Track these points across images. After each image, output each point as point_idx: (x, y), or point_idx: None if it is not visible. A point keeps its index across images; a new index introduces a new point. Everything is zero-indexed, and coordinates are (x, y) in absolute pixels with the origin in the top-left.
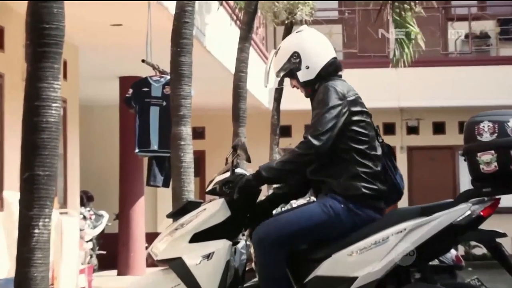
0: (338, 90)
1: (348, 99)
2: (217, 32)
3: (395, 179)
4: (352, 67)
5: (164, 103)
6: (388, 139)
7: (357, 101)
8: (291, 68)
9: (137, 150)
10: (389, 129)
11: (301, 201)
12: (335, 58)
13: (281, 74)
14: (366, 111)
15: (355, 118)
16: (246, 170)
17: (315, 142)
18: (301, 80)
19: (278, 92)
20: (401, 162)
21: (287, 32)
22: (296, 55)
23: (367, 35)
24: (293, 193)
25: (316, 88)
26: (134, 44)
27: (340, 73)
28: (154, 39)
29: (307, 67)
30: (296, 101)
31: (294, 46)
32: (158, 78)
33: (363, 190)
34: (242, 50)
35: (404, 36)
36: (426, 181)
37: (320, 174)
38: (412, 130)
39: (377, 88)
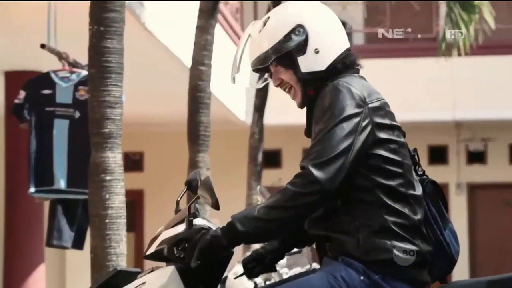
0: (354, 92)
1: (370, 105)
2: (164, 1)
3: (444, 237)
4: (377, 56)
5: (77, 114)
6: (436, 172)
7: (383, 110)
8: (290, 49)
9: (32, 190)
10: (438, 155)
11: (298, 269)
12: (349, 49)
13: (271, 58)
14: (398, 126)
15: (381, 135)
16: (211, 221)
17: (319, 174)
18: (304, 70)
19: (261, 97)
20: (457, 208)
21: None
22: (300, 30)
23: (402, 7)
24: (287, 246)
25: (319, 89)
26: (29, 21)
27: (357, 67)
28: (61, 13)
29: (317, 51)
30: (288, 111)
31: (298, 16)
32: (68, 75)
33: (396, 252)
34: (204, 30)
35: (461, 9)
36: (497, 239)
37: (326, 227)
38: (476, 158)
39: (416, 91)
